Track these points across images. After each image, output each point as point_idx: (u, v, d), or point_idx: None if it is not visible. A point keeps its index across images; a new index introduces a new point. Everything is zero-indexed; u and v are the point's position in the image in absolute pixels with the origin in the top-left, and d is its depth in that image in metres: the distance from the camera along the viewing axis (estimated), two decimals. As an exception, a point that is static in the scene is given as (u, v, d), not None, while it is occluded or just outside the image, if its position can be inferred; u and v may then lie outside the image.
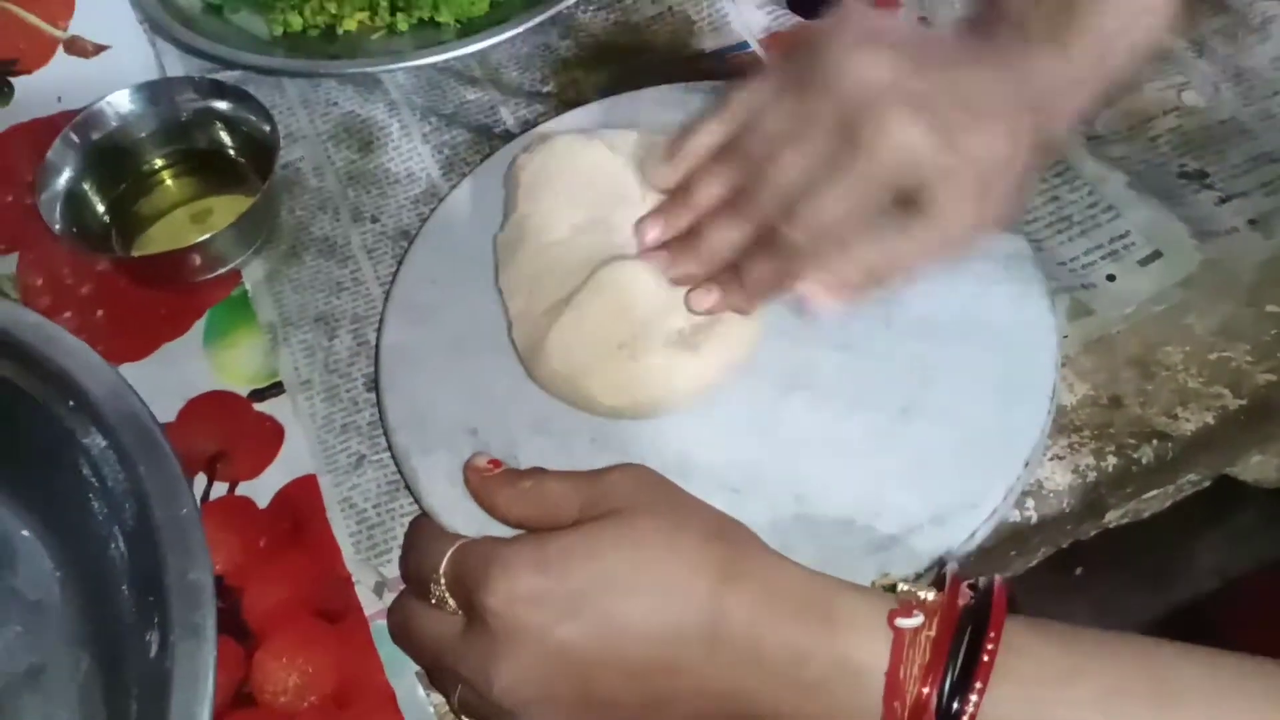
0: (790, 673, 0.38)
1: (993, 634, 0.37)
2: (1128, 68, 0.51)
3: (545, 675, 0.40)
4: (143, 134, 0.63)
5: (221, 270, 0.60)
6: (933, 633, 0.37)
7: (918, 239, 0.47)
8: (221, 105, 0.63)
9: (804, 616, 0.39)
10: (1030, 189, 0.51)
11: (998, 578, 0.40)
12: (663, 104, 0.63)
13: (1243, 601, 0.85)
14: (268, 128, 0.61)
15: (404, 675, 0.48)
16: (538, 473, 0.47)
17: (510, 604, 0.40)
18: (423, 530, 0.48)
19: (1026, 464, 0.49)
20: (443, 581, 0.43)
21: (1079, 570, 0.97)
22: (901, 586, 0.39)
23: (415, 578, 0.46)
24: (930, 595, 0.39)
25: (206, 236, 0.58)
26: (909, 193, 0.46)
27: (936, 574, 0.42)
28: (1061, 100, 0.49)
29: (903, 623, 0.38)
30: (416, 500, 0.50)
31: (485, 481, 0.47)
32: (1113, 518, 0.58)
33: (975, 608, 0.38)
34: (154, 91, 0.63)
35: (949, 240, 0.47)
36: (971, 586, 0.40)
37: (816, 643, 0.38)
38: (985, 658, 0.36)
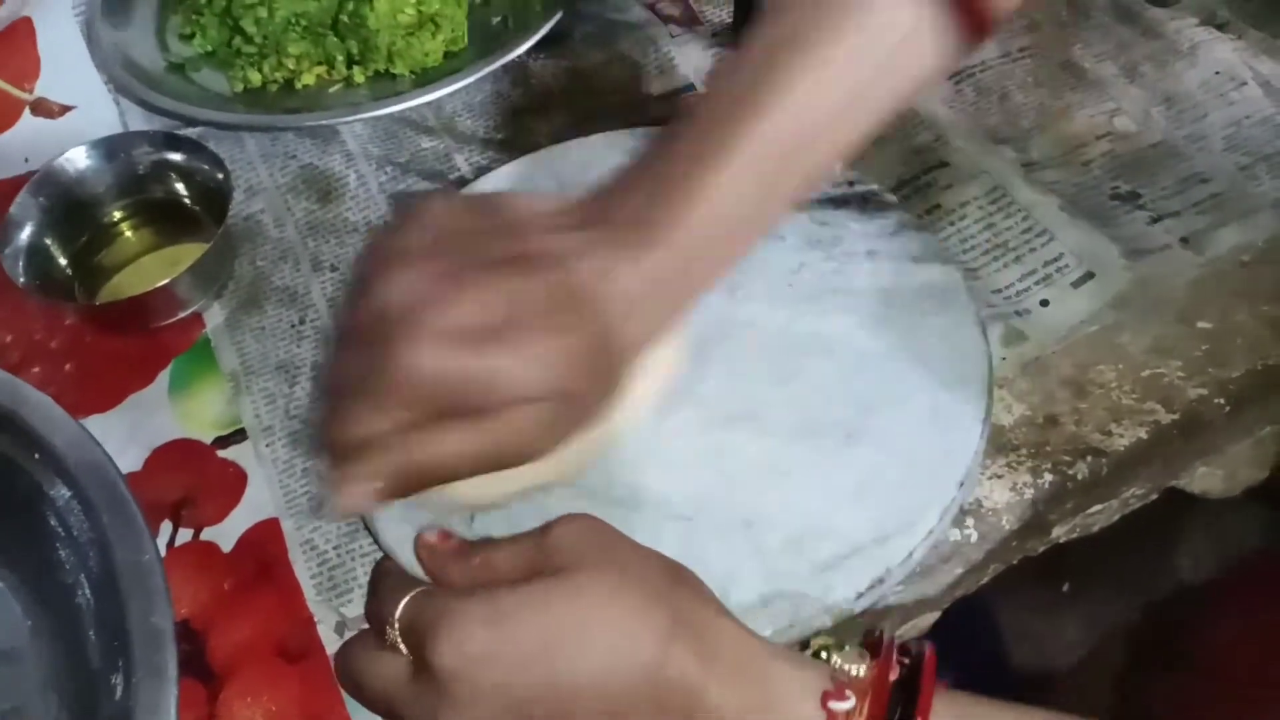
0: None
1: (919, 718, 0.38)
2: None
3: None
4: (101, 188, 0.65)
5: (183, 314, 0.62)
6: (863, 718, 0.39)
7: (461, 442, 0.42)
8: (176, 157, 0.65)
9: (741, 677, 0.40)
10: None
11: (929, 646, 0.41)
12: (611, 147, 0.65)
13: (1227, 613, 0.86)
14: (220, 176, 0.63)
15: (365, 712, 0.49)
16: (485, 546, 0.48)
17: (461, 661, 0.41)
18: (385, 575, 0.49)
19: (961, 484, 0.51)
20: (397, 627, 0.44)
21: (1066, 586, 0.98)
22: (836, 661, 0.40)
23: (374, 623, 0.47)
24: (862, 670, 0.40)
25: (165, 281, 0.59)
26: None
27: (864, 636, 0.43)
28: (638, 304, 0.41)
29: (835, 706, 0.39)
30: (375, 539, 0.52)
31: (436, 558, 0.49)
32: (1060, 533, 0.59)
33: (906, 680, 0.40)
34: (110, 146, 0.65)
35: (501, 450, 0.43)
36: (904, 652, 0.41)
37: (753, 713, 0.40)
38: None
